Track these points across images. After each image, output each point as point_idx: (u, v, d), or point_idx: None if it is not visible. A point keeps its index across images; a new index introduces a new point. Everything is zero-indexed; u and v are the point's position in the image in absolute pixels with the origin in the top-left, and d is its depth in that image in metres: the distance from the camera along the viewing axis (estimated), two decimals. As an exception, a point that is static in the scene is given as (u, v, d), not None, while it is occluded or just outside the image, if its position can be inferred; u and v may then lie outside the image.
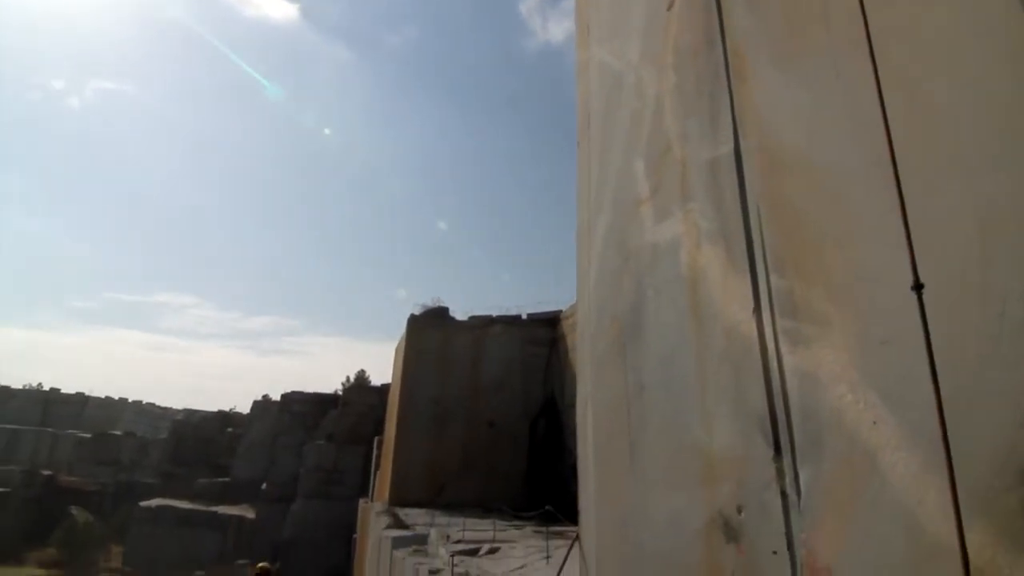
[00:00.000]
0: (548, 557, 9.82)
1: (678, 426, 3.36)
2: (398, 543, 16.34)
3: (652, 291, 3.88)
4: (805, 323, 2.57)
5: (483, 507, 18.62)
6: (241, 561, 38.88)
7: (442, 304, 31.20)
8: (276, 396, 55.04)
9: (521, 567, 9.38)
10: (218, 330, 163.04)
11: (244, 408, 61.25)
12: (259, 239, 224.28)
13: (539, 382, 28.24)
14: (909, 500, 2.00)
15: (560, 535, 12.05)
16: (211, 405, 71.70)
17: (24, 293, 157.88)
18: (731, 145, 3.18)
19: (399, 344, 31.31)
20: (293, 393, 52.78)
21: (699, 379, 3.16)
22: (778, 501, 2.65)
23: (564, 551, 7.58)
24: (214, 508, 45.48)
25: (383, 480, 30.17)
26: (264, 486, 46.49)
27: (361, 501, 35.83)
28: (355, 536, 33.99)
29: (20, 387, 67.81)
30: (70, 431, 60.85)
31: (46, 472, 49.89)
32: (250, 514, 45.01)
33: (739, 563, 2.78)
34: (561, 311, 29.16)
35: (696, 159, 3.49)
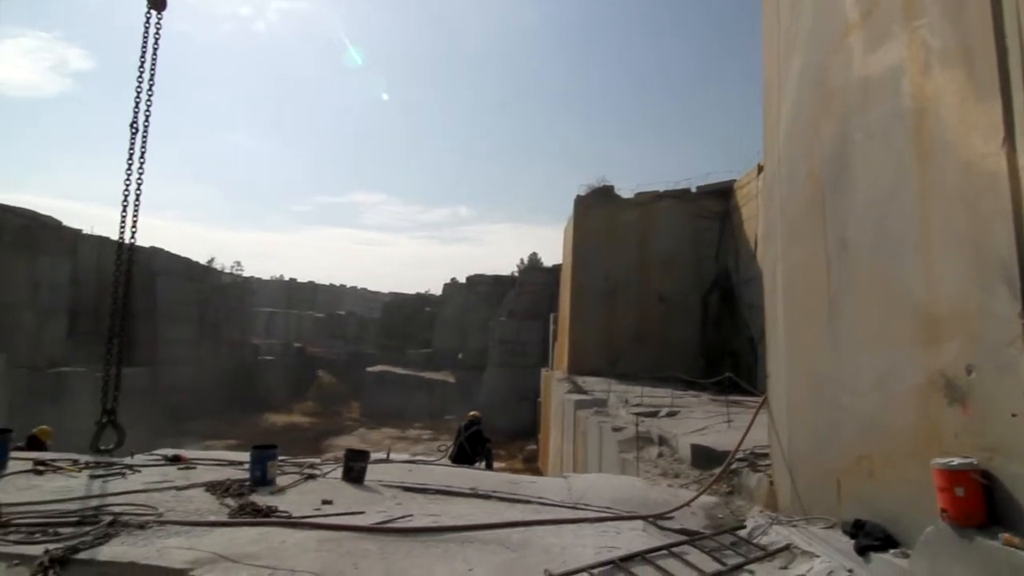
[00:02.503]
0: (729, 421, 9.90)
1: (890, 282, 2.99)
2: (580, 405, 17.61)
3: (861, 134, 3.33)
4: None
5: (656, 377, 19.08)
6: (448, 416, 45.22)
7: (607, 183, 30.56)
8: (462, 279, 60.56)
9: (702, 429, 9.60)
10: (406, 223, 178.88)
11: (437, 290, 68.41)
12: (430, 137, 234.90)
13: (710, 256, 27.06)
14: None
15: (738, 404, 12.00)
16: (410, 288, 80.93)
17: (257, 202, 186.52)
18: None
19: (567, 225, 31.69)
20: (476, 276, 57.61)
21: (922, 228, 2.73)
22: (1022, 360, 2.30)
23: (745, 417, 7.60)
24: (422, 374, 52.92)
25: (561, 351, 32.17)
26: (460, 356, 52.58)
27: (542, 370, 38.81)
28: (539, 400, 37.37)
29: (268, 278, 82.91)
30: (308, 312, 73.65)
31: (297, 344, 61.60)
32: (451, 379, 51.60)
33: (965, 425, 2.52)
34: (734, 181, 26.97)
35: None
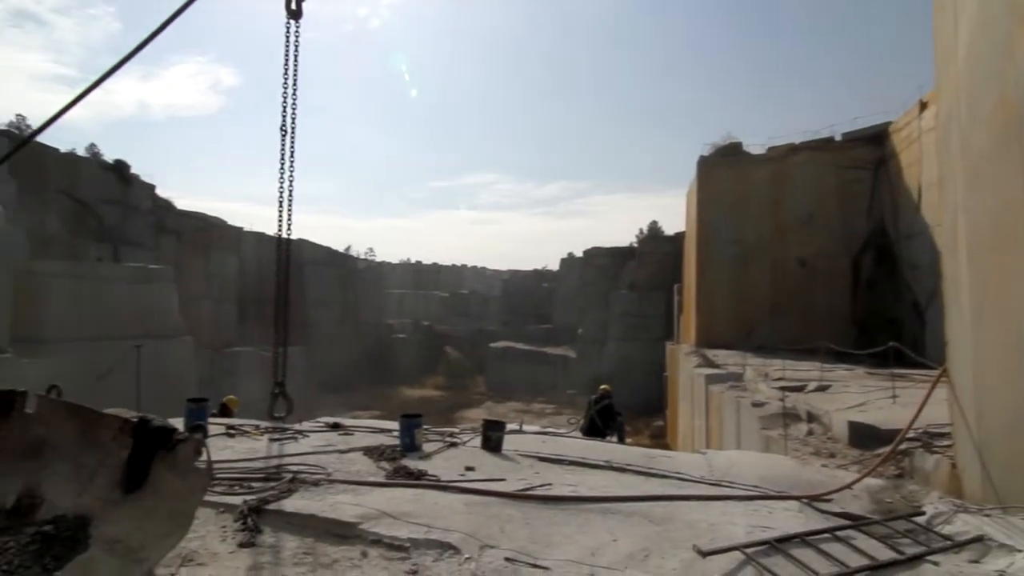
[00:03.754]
0: (895, 397, 8.95)
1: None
2: (712, 380, 16.91)
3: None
4: None
5: (798, 349, 17.72)
6: (570, 391, 45.62)
7: (734, 140, 28.61)
8: (578, 253, 60.36)
9: (860, 405, 8.78)
10: (519, 200, 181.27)
11: (553, 266, 68.94)
12: (538, 111, 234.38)
13: (861, 212, 24.39)
14: None
15: (903, 377, 10.77)
16: (527, 265, 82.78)
17: (379, 191, 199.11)
18: None
19: (690, 189, 30.22)
20: (593, 249, 57.04)
21: None
22: None
23: (914, 392, 6.83)
24: (543, 349, 53.82)
25: (687, 324, 31.01)
26: (579, 330, 52.66)
27: (667, 343, 37.74)
28: (665, 374, 36.43)
29: (397, 262, 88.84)
30: (433, 292, 77.79)
31: (425, 323, 65.37)
32: (571, 354, 51.92)
33: None
34: (888, 124, 23.97)
35: None
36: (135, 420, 3.12)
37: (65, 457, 3.30)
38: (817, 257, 24.27)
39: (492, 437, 5.38)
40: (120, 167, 37.70)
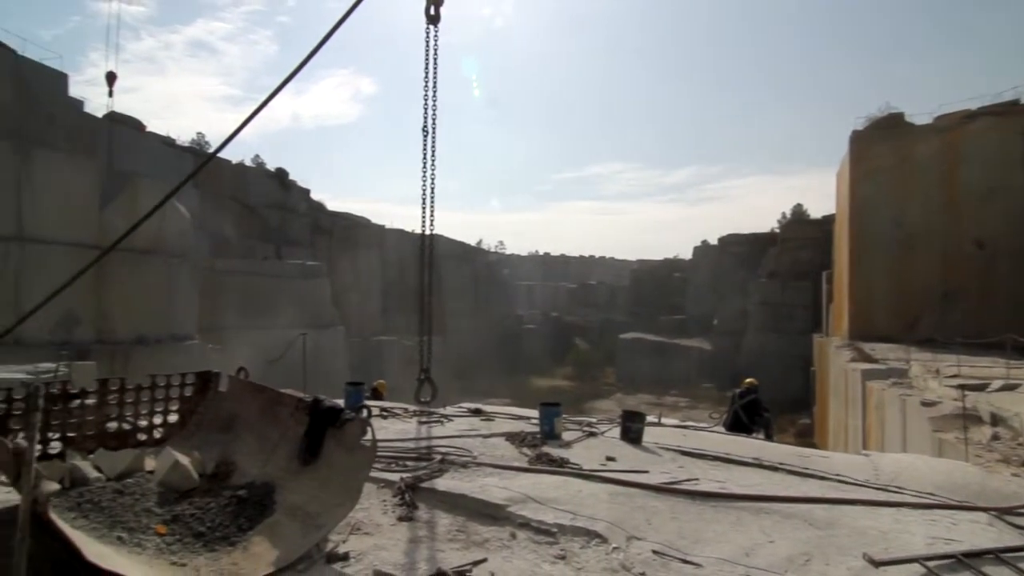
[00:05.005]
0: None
1: None
2: (870, 375, 15.35)
3: None
4: None
5: (975, 343, 15.42)
6: (705, 384, 43.70)
7: (894, 110, 25.50)
8: (712, 241, 57.48)
9: (1064, 407, 7.48)
10: (646, 188, 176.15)
11: (685, 254, 66.27)
12: (664, 96, 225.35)
13: (1060, 183, 20.69)
14: None
15: None
16: (656, 254, 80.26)
17: (506, 187, 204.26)
18: None
19: (841, 167, 27.64)
20: (729, 236, 53.95)
21: None
22: None
23: None
24: (675, 340, 52.00)
25: (838, 314, 28.41)
26: (715, 321, 50.14)
27: (815, 335, 34.87)
28: (812, 369, 33.67)
29: (525, 254, 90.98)
30: (561, 283, 78.41)
31: (554, 314, 66.15)
32: (706, 346, 49.64)
33: None
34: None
35: None
36: (309, 400, 3.49)
37: (252, 430, 3.78)
38: (999, 237, 20.98)
39: (632, 428, 5.30)
40: (280, 174, 42.31)
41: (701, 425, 7.76)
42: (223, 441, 3.77)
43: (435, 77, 5.91)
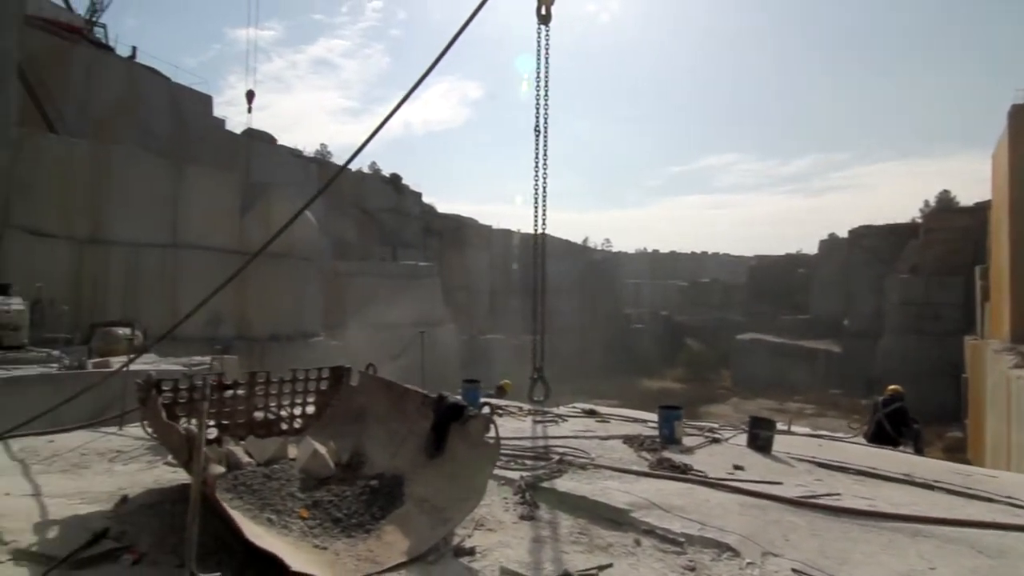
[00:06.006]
0: None
1: None
2: (1042, 384, 13.36)
3: None
4: None
5: None
6: (833, 390, 40.29)
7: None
8: (841, 233, 52.93)
9: None
10: (762, 180, 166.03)
11: (808, 248, 61.53)
12: (778, 81, 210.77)
13: None
14: None
15: None
16: (775, 249, 74.56)
17: (614, 183, 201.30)
18: None
19: (997, 148, 24.47)
20: (861, 228, 49.24)
21: None
22: None
23: None
24: (799, 342, 48.35)
25: (997, 314, 25.19)
26: (846, 322, 46.06)
27: (966, 338, 31.16)
28: (963, 375, 30.11)
29: (633, 252, 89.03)
30: (671, 281, 75.83)
31: (663, 313, 64.14)
32: (835, 348, 45.71)
33: None
34: None
35: None
36: (434, 396, 3.61)
37: (381, 423, 3.97)
38: None
39: (761, 436, 4.98)
40: (395, 180, 44.69)
41: (838, 435, 7.12)
42: (354, 432, 3.99)
43: (547, 77, 5.90)
